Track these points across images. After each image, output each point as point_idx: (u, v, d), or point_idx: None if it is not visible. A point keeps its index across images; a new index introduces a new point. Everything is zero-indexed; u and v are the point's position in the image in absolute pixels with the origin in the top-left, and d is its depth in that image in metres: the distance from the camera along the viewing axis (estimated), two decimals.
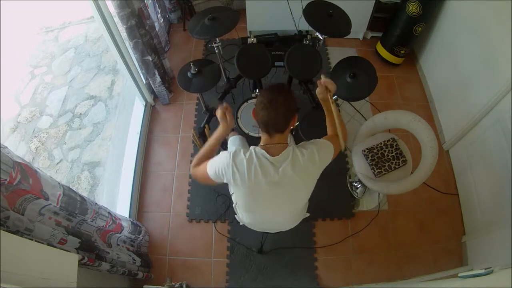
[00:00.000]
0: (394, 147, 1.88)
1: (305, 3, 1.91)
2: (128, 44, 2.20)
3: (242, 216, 1.45)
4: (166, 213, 2.25)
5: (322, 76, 1.31)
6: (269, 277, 2.02)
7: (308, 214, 1.51)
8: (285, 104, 1.13)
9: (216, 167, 1.19)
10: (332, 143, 1.25)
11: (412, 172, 1.75)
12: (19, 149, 2.63)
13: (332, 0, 1.95)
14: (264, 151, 1.16)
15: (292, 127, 1.26)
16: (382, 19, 2.85)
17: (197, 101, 2.68)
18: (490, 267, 1.00)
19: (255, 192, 1.20)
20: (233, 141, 1.79)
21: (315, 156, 1.17)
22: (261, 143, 1.20)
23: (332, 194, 2.23)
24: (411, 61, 2.91)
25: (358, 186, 2.13)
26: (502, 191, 1.81)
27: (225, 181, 1.21)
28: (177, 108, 2.69)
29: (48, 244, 1.18)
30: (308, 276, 2.03)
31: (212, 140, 1.35)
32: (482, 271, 1.01)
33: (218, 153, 1.26)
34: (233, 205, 1.47)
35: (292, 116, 1.17)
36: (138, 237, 2.01)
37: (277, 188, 1.18)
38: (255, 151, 1.16)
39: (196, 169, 1.29)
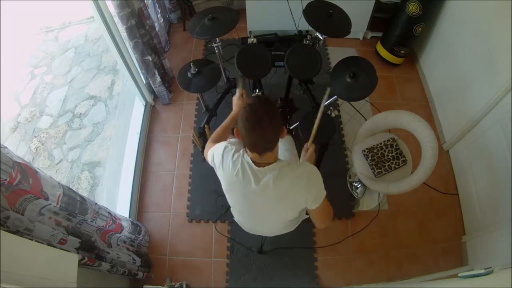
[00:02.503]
0: (394, 147, 1.88)
1: (305, 3, 1.91)
2: (128, 44, 2.20)
3: (237, 219, 1.47)
4: (166, 213, 2.25)
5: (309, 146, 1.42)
6: (269, 277, 2.02)
7: (307, 216, 1.50)
8: (273, 120, 1.01)
9: (213, 153, 1.21)
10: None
11: (412, 172, 1.75)
12: (19, 149, 2.63)
13: (332, 0, 1.95)
14: (250, 160, 1.09)
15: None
16: (382, 19, 2.85)
17: (197, 101, 2.68)
18: (490, 267, 1.00)
19: (239, 195, 1.21)
20: None
21: (303, 178, 1.09)
22: (251, 156, 1.11)
23: (332, 194, 2.19)
24: (411, 61, 2.91)
25: (358, 186, 2.13)
26: (502, 191, 1.81)
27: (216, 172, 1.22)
28: (177, 108, 2.69)
29: (48, 244, 1.18)
30: (308, 276, 2.03)
31: (227, 120, 1.43)
32: (482, 271, 1.01)
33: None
34: (231, 209, 1.48)
35: (280, 129, 1.06)
36: (138, 237, 2.01)
37: (258, 198, 1.15)
38: (243, 157, 1.11)
39: (206, 148, 1.31)
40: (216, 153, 1.19)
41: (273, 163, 1.10)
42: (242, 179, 1.10)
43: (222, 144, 1.19)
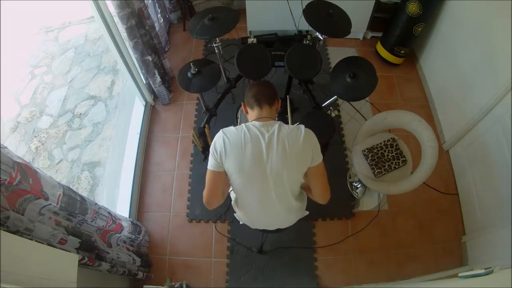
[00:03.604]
0: (394, 147, 1.88)
1: (305, 3, 1.91)
2: (128, 44, 2.20)
3: (239, 211, 1.43)
4: (166, 213, 2.25)
5: None
6: (269, 277, 2.02)
7: (307, 213, 1.50)
8: (269, 84, 1.37)
9: (211, 149, 1.24)
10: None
11: (412, 172, 1.76)
12: (19, 149, 2.63)
13: (332, 0, 1.95)
14: (253, 121, 1.26)
15: (277, 110, 1.36)
16: (382, 19, 2.85)
17: (197, 101, 2.68)
18: (490, 267, 1.00)
19: (244, 160, 1.19)
20: None
21: (300, 132, 1.21)
22: (251, 120, 1.30)
23: (332, 194, 2.19)
24: (411, 61, 2.91)
25: (358, 186, 2.13)
26: (502, 191, 1.81)
27: (219, 160, 1.21)
28: (177, 108, 2.69)
29: (48, 244, 1.18)
30: (308, 276, 2.03)
31: None
32: (482, 271, 1.01)
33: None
34: (232, 202, 1.47)
35: (276, 94, 1.35)
36: (138, 237, 2.01)
37: (267, 158, 1.19)
38: (245, 124, 1.25)
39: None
40: (217, 139, 1.23)
41: (272, 118, 1.29)
42: (250, 138, 1.19)
43: (220, 131, 1.26)
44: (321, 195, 1.32)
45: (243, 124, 1.25)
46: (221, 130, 1.25)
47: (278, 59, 2.05)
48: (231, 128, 1.25)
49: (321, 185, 1.30)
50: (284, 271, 2.04)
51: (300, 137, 1.20)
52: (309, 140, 1.22)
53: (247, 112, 1.36)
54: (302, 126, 1.24)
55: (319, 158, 1.25)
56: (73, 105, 2.89)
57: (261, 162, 1.20)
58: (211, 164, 1.24)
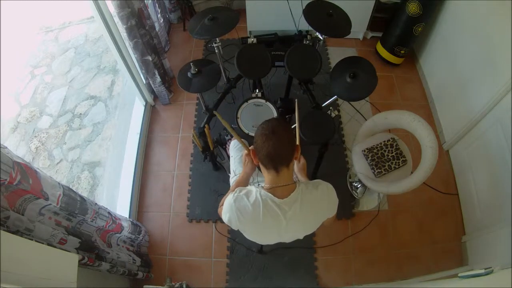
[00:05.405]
0: (394, 147, 1.88)
1: (305, 3, 1.91)
2: (128, 44, 2.20)
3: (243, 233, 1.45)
4: (166, 213, 2.25)
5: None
6: (269, 277, 2.02)
7: None
8: (287, 132, 1.07)
9: (225, 213, 1.16)
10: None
11: (412, 172, 1.76)
12: (19, 149, 2.63)
13: (332, 0, 1.95)
14: (270, 194, 1.08)
15: (296, 159, 1.18)
16: (382, 19, 2.85)
17: (197, 101, 2.68)
18: (490, 267, 1.00)
19: (262, 234, 1.22)
20: (234, 145, 1.81)
21: (324, 197, 1.15)
22: (267, 185, 1.11)
23: None
24: (411, 61, 2.91)
25: (358, 186, 2.13)
26: (502, 191, 1.81)
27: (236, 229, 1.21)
28: (177, 108, 2.69)
29: (48, 244, 1.18)
30: (308, 276, 2.03)
31: (236, 182, 1.37)
32: (482, 271, 1.01)
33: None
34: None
35: (295, 144, 1.11)
36: (138, 237, 2.01)
37: (288, 230, 1.16)
38: (260, 194, 1.09)
39: (220, 210, 1.26)
40: (232, 217, 1.13)
41: (291, 185, 1.10)
42: (271, 219, 1.09)
43: (230, 200, 1.13)
44: (328, 226, 1.35)
45: (258, 196, 1.08)
46: (234, 203, 1.10)
47: (278, 59, 2.04)
48: (245, 202, 1.09)
49: (330, 223, 1.31)
50: (284, 271, 2.04)
51: (325, 202, 1.16)
52: (331, 201, 1.18)
53: (257, 164, 1.14)
54: (325, 187, 1.16)
55: (335, 210, 1.22)
56: (73, 105, 2.89)
57: (281, 236, 1.20)
58: (227, 221, 1.17)
